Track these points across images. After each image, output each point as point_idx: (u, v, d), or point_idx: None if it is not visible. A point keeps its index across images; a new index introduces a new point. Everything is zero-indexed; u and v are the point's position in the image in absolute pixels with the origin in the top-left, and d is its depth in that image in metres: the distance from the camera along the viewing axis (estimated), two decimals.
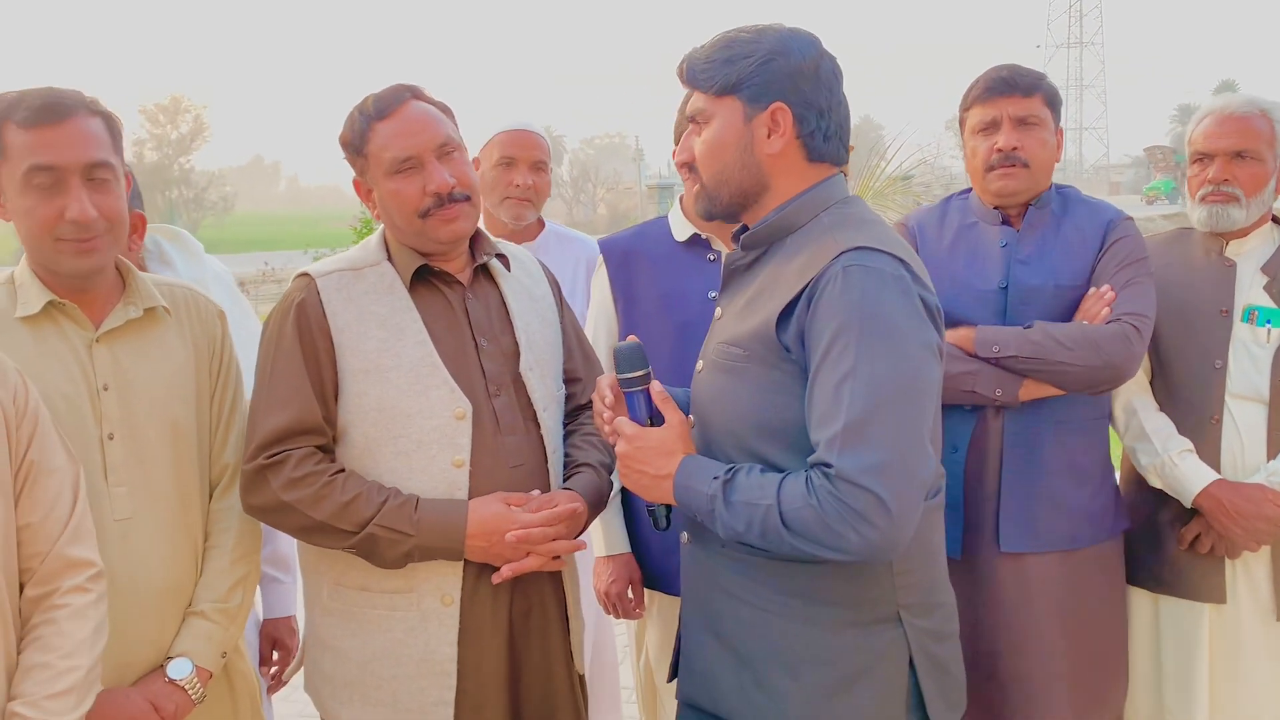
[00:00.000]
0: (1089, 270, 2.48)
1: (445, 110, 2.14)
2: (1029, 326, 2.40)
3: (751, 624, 1.81)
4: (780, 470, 1.72)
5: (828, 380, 1.64)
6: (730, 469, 1.74)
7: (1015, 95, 2.49)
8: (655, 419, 1.90)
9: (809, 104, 1.79)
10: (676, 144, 2.75)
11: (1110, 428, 2.61)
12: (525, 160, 3.09)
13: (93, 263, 1.94)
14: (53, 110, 1.88)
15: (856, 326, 1.63)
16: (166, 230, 2.67)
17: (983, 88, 2.53)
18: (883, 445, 1.60)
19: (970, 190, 2.65)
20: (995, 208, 2.56)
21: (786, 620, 1.78)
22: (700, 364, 1.92)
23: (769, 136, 1.80)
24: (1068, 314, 2.46)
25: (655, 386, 1.90)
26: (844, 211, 1.81)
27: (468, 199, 2.07)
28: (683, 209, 2.72)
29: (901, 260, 1.72)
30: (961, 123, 2.62)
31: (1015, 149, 2.47)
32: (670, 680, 2.07)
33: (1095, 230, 2.52)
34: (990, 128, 2.52)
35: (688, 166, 1.88)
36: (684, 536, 1.96)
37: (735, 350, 1.80)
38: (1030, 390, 2.40)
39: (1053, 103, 2.54)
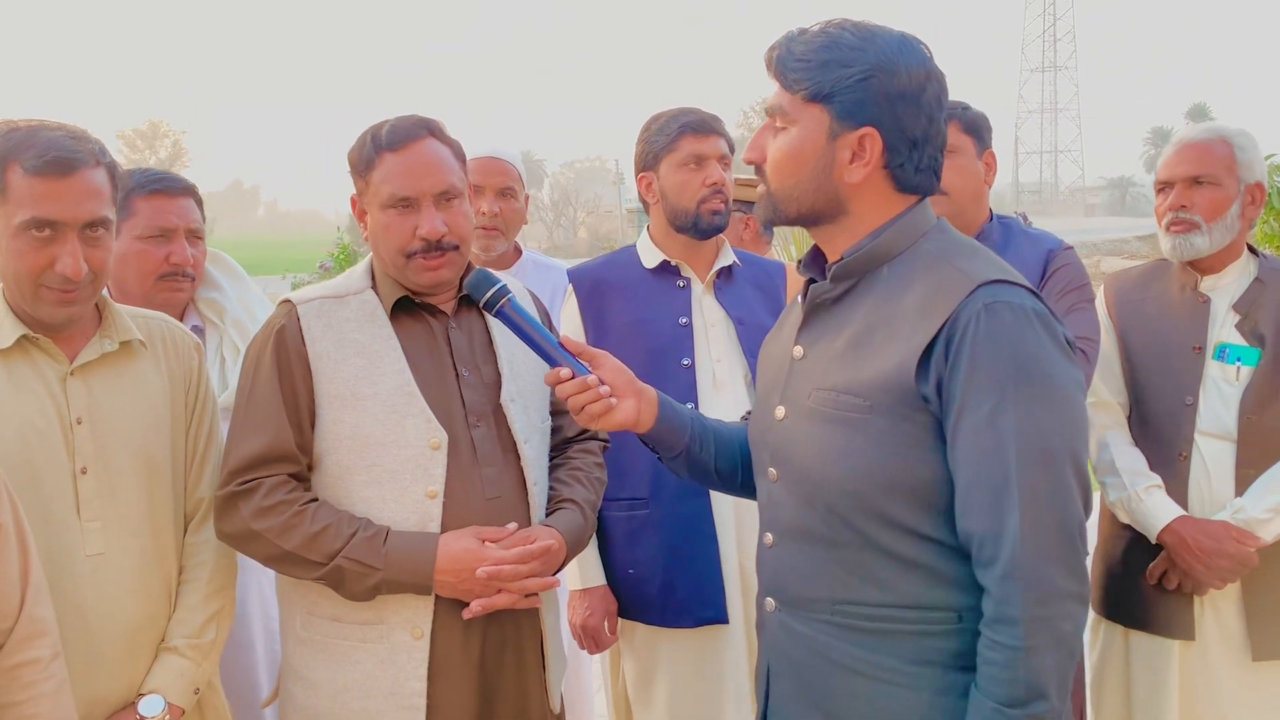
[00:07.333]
0: None
1: (457, 152, 2.12)
2: None
3: (873, 699, 1.60)
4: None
5: (985, 453, 1.49)
6: None
7: None
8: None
9: (903, 133, 1.59)
10: (637, 173, 2.72)
11: None
12: (491, 187, 3.07)
13: (71, 313, 1.94)
14: (62, 164, 1.85)
15: (1013, 384, 1.48)
16: (209, 253, 2.64)
17: None
18: (1059, 545, 1.48)
19: None
20: None
21: (918, 692, 1.57)
22: (782, 410, 1.71)
23: (851, 162, 1.61)
24: None
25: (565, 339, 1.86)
26: (947, 238, 1.65)
27: (456, 248, 2.07)
28: (651, 236, 2.71)
29: (1034, 293, 1.57)
30: None
31: None
32: None
33: (1037, 260, 2.57)
34: None
35: (756, 166, 1.71)
36: (770, 603, 1.75)
37: (852, 399, 1.59)
38: None
39: (971, 129, 2.57)
